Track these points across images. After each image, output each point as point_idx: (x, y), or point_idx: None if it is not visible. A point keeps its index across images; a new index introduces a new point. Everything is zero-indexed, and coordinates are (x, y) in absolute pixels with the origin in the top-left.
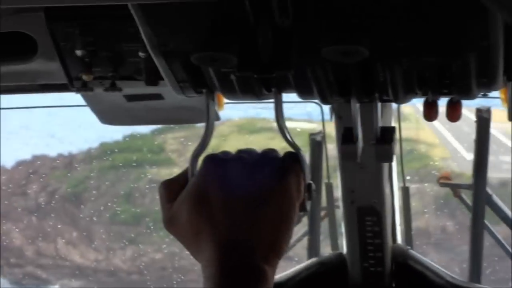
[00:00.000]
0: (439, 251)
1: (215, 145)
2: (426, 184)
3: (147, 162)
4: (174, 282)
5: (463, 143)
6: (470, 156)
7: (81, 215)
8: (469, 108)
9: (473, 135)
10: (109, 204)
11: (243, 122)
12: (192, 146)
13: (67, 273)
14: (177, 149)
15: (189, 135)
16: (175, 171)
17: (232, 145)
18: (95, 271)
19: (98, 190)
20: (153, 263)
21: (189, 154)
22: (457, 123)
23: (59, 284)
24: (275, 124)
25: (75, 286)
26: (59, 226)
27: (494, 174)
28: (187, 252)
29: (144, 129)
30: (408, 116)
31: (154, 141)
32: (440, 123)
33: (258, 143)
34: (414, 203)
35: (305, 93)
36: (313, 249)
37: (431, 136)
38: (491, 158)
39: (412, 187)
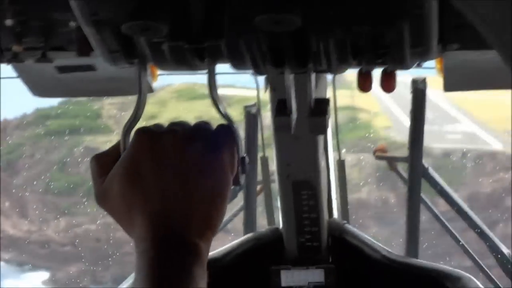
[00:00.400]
0: (380, 224)
1: (153, 112)
2: (367, 154)
3: (83, 129)
4: (110, 253)
5: (406, 111)
6: None
7: (14, 183)
8: (413, 76)
9: None
10: (44, 172)
11: (183, 88)
12: (129, 113)
13: None
14: (114, 115)
15: (126, 101)
16: (112, 138)
17: (171, 111)
18: (27, 242)
19: (32, 158)
20: (87, 234)
21: (124, 121)
22: (401, 90)
23: None
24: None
25: (7, 258)
26: None
27: (438, 144)
28: None
29: None
30: (351, 84)
31: (91, 107)
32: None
33: (198, 110)
34: (354, 174)
35: (238, 64)
36: (249, 224)
37: (373, 104)
38: (435, 128)
39: (353, 157)
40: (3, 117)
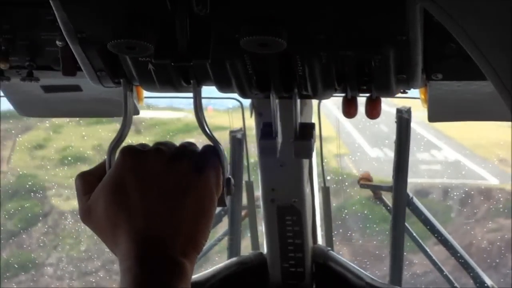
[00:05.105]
0: None
1: (43, 138)
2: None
3: None
4: None
5: (366, 135)
6: (375, 152)
7: None
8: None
9: (381, 125)
10: None
11: None
12: (10, 142)
13: None
14: None
15: (10, 128)
16: None
17: (64, 138)
18: None
19: None
20: None
21: (3, 153)
22: (361, 112)
23: None
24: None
25: None
26: None
27: (410, 178)
28: None
29: None
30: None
31: None
32: (340, 111)
33: (97, 137)
34: None
35: (224, 87)
36: (233, 248)
37: (326, 128)
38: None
39: None
40: None
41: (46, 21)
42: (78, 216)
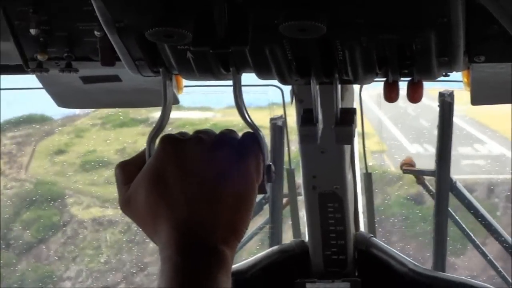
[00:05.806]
0: None
1: (65, 143)
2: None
3: None
4: None
5: (406, 131)
6: (415, 148)
7: None
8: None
9: (420, 120)
10: None
11: (112, 112)
12: (29, 148)
13: None
14: (9, 151)
15: (31, 133)
16: None
17: (87, 143)
18: None
19: None
20: None
21: (22, 159)
22: (400, 107)
23: None
24: (151, 115)
25: None
26: None
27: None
28: None
29: None
30: None
31: None
32: (377, 106)
33: (122, 141)
34: None
35: (263, 73)
36: (275, 237)
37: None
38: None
39: None
40: None
41: (84, 11)
42: (96, 224)
